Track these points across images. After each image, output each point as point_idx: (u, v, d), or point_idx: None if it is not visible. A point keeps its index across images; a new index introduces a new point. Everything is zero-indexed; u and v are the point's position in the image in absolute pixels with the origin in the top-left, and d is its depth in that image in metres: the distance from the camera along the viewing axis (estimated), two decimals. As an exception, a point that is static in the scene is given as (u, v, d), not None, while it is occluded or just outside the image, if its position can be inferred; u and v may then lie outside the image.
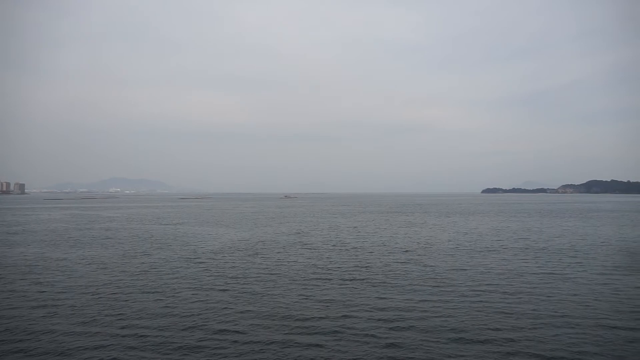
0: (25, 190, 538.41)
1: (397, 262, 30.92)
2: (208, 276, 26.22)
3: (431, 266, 29.32)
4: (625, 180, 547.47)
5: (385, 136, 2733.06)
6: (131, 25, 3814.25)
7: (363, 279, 25.22)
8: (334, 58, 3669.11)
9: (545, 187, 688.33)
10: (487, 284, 23.67)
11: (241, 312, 18.58)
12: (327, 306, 19.59)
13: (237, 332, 16.19)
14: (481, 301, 20.27)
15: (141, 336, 15.67)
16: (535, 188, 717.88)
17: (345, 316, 18.06)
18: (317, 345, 14.91)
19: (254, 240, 45.24)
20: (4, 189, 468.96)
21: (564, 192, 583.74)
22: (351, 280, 25.07)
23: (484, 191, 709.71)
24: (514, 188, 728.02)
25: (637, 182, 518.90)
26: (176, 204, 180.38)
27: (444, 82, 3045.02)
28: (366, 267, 29.23)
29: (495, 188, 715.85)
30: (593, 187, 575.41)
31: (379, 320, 17.54)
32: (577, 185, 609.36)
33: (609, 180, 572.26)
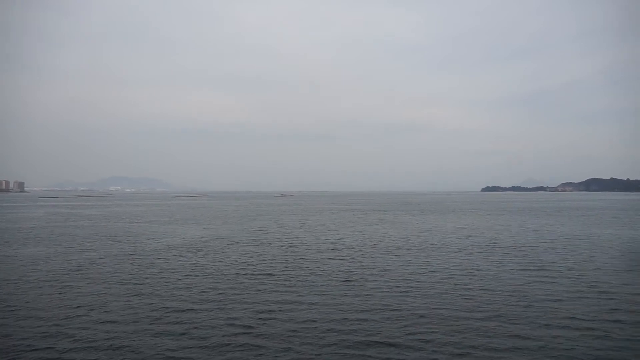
0: (25, 189, 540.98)
1: (328, 259, 31.35)
2: (136, 271, 26.70)
3: (358, 263, 29.76)
4: (625, 179, 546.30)
5: (385, 136, 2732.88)
6: (131, 25, 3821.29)
7: (273, 275, 25.68)
8: (334, 58, 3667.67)
9: (545, 186, 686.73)
10: (396, 280, 24.12)
11: (147, 305, 19.07)
12: (215, 301, 20.06)
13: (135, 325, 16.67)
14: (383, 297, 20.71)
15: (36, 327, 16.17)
16: (534, 186, 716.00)
17: (220, 309, 18.53)
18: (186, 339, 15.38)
19: (209, 237, 45.71)
20: (3, 187, 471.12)
21: (563, 191, 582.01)
22: (263, 275, 25.54)
23: (483, 189, 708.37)
24: (513, 186, 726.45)
25: (636, 181, 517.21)
26: (167, 202, 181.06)
27: (444, 82, 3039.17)
28: (292, 264, 29.68)
29: (495, 186, 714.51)
30: (592, 185, 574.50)
31: (255, 312, 17.99)
32: (577, 183, 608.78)
33: (608, 178, 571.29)
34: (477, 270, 27.08)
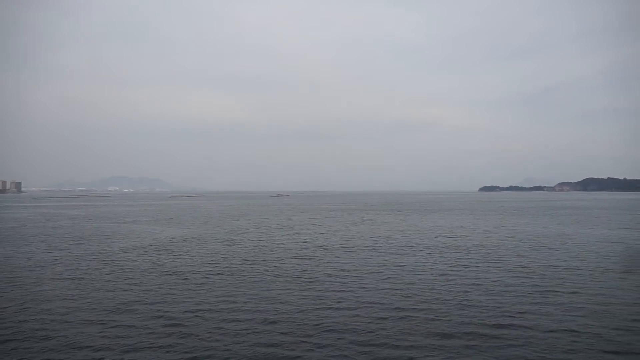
0: (23, 189, 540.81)
1: (290, 258, 31.60)
2: (88, 271, 26.91)
3: (317, 262, 30.01)
4: (622, 178, 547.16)
5: (385, 136, 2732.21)
6: (131, 25, 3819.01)
7: (222, 274, 25.91)
8: (334, 58, 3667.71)
9: (543, 185, 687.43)
10: (344, 278, 24.37)
11: (97, 302, 19.30)
12: (159, 297, 20.30)
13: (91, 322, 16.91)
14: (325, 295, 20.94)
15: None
16: (532, 186, 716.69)
17: (167, 302, 18.77)
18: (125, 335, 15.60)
19: (181, 237, 45.91)
20: (0, 187, 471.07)
21: (561, 190, 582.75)
22: (214, 274, 25.79)
23: (481, 189, 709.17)
24: (511, 186, 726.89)
25: (633, 180, 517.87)
26: (161, 202, 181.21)
27: (444, 82, 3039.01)
28: (250, 263, 29.93)
29: (493, 186, 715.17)
30: (590, 185, 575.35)
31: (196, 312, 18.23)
32: (574, 183, 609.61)
33: (605, 178, 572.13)
34: (424, 268, 27.31)
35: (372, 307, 18.91)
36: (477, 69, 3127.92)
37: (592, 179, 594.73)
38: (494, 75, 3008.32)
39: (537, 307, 18.70)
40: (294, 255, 33.50)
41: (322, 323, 16.80)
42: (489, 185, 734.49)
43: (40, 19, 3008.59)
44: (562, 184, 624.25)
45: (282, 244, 40.39)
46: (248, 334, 15.76)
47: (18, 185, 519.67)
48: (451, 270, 26.86)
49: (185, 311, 18.44)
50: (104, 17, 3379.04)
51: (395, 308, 18.75)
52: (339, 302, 19.82)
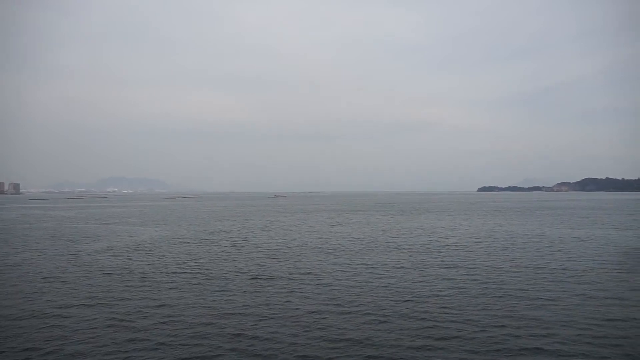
0: (22, 190, 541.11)
1: (261, 258, 31.80)
2: (56, 271, 27.10)
3: (286, 263, 30.21)
4: (620, 178, 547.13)
5: (385, 136, 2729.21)
6: (131, 25, 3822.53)
7: (185, 273, 26.11)
8: (334, 58, 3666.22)
9: (541, 185, 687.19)
10: (309, 279, 24.57)
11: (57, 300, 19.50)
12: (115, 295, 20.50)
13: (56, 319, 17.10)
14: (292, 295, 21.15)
15: None
16: (532, 186, 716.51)
17: (116, 300, 18.97)
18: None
19: (160, 238, 46.10)
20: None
21: (559, 190, 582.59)
22: (179, 273, 25.98)
23: (479, 190, 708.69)
24: (509, 186, 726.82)
25: (631, 180, 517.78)
26: (155, 203, 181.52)
27: (444, 82, 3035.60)
28: (220, 263, 30.12)
29: (491, 186, 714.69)
30: (588, 185, 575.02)
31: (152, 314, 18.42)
32: (572, 183, 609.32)
33: (603, 178, 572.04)
34: (385, 268, 27.49)
35: (312, 305, 19.09)
36: (477, 69, 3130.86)
37: (590, 179, 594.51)
38: (494, 75, 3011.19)
39: (478, 306, 18.89)
40: (263, 255, 33.69)
41: (256, 325, 16.99)
42: (487, 185, 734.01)
43: (40, 19, 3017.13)
44: (560, 184, 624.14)
45: (256, 244, 40.60)
46: (183, 330, 15.96)
47: (16, 187, 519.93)
48: (408, 270, 27.04)
49: (131, 309, 18.62)
50: (104, 17, 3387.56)
51: (337, 306, 18.94)
52: (285, 301, 20.01)
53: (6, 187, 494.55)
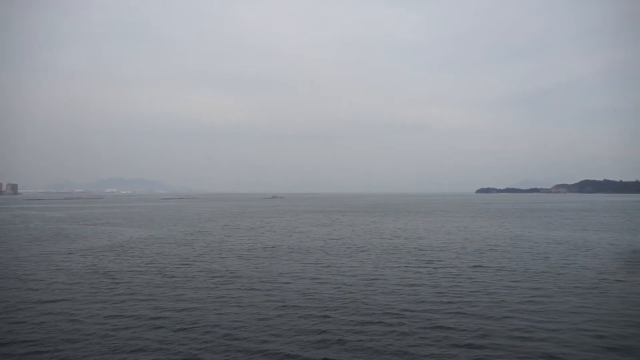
0: (20, 191, 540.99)
1: (236, 258, 32.07)
2: (18, 272, 27.36)
3: (256, 264, 30.49)
4: (618, 180, 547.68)
5: (385, 136, 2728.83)
6: (131, 25, 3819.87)
7: (151, 273, 26.36)
8: (334, 58, 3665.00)
9: (539, 187, 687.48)
10: (273, 280, 24.84)
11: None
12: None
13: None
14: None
15: None
16: (530, 188, 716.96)
17: (77, 300, 19.22)
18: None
19: (139, 238, 46.34)
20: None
21: (557, 192, 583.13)
22: (144, 274, 26.23)
23: (477, 191, 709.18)
24: (507, 188, 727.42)
25: (629, 182, 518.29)
26: (149, 204, 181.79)
27: (444, 82, 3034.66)
28: (189, 264, 30.37)
29: (489, 188, 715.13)
30: (586, 186, 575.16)
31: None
32: (570, 185, 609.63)
33: (601, 180, 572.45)
34: (349, 269, 27.76)
35: (267, 306, 19.36)
36: (477, 69, 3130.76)
37: (588, 180, 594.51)
38: (493, 75, 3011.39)
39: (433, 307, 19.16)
40: (235, 255, 33.93)
41: (205, 323, 17.25)
42: (486, 187, 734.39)
43: (40, 19, 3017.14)
44: (558, 186, 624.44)
45: (233, 245, 40.84)
46: (135, 328, 16.21)
47: (14, 187, 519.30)
48: (372, 270, 27.30)
49: (87, 309, 18.87)
50: (104, 17, 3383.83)
51: (289, 306, 19.20)
52: (238, 301, 20.26)
53: (4, 188, 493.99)
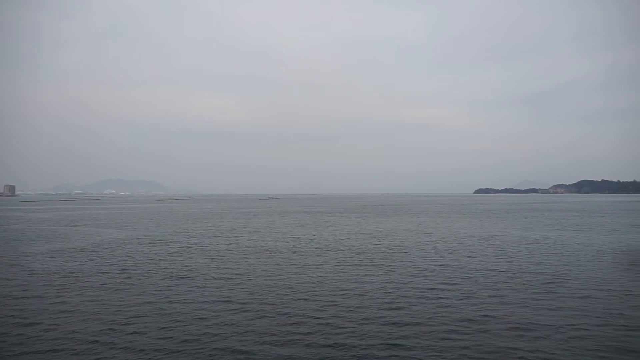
0: (18, 192, 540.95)
1: (208, 259, 32.23)
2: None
3: (229, 265, 30.64)
4: (616, 180, 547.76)
5: (385, 136, 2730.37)
6: (131, 26, 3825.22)
7: (111, 273, 26.50)
8: (334, 58, 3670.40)
9: (537, 188, 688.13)
10: (237, 280, 24.98)
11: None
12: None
13: None
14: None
15: None
16: (528, 188, 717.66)
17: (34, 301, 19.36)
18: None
19: (117, 239, 46.47)
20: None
21: (555, 192, 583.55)
22: (107, 274, 26.38)
23: (476, 192, 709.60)
24: (506, 188, 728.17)
25: (626, 183, 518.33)
26: (142, 205, 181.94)
27: (444, 82, 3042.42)
28: (158, 265, 30.52)
29: (488, 188, 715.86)
30: (584, 187, 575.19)
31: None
32: (568, 185, 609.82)
33: (599, 180, 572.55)
34: (315, 269, 27.90)
35: (227, 304, 19.50)
36: (477, 69, 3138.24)
37: (586, 181, 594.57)
38: (493, 75, 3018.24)
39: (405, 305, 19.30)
40: (206, 256, 34.04)
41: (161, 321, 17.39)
42: (484, 187, 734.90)
43: (39, 20, 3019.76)
44: (556, 187, 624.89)
45: (208, 245, 40.95)
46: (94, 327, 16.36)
47: (12, 189, 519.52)
48: (336, 270, 27.44)
49: (45, 309, 19.07)
50: (104, 18, 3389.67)
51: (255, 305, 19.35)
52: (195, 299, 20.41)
53: (1, 189, 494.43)
